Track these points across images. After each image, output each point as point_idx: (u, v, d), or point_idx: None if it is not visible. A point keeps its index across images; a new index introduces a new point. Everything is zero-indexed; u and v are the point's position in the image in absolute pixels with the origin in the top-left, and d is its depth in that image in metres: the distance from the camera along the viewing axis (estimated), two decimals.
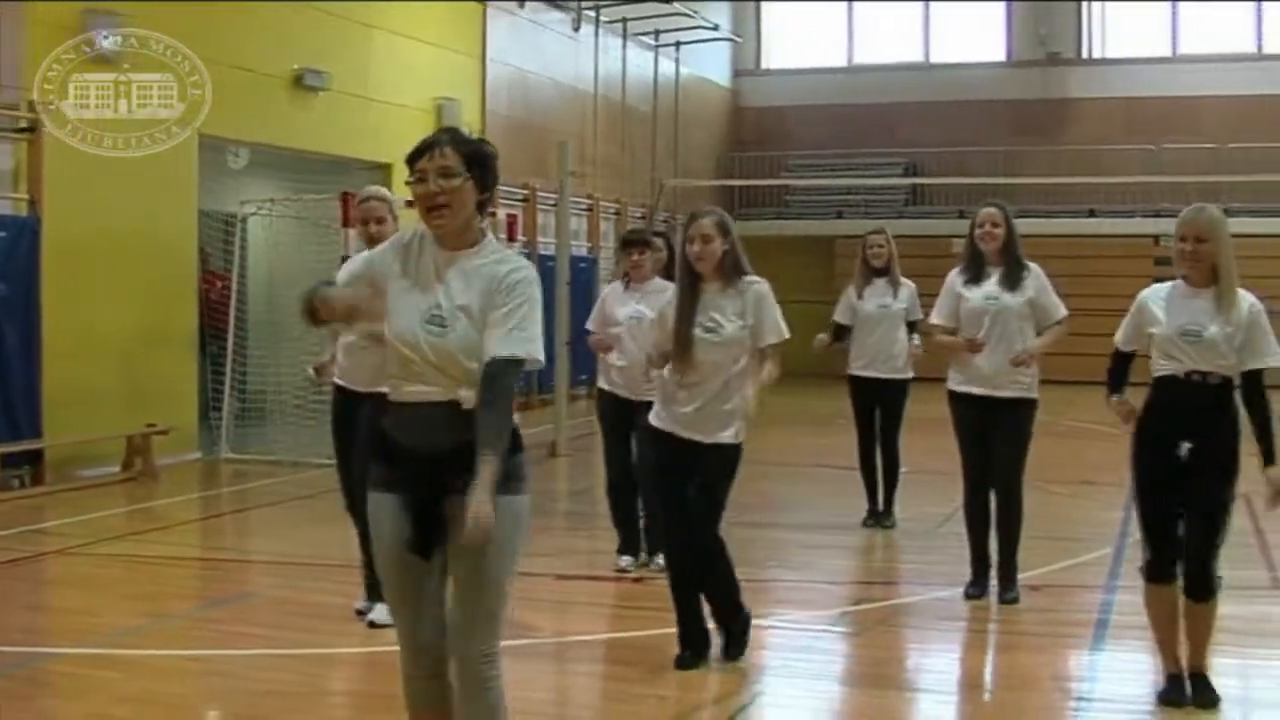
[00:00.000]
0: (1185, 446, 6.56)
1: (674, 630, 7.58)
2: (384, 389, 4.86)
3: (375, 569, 5.07)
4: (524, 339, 4.61)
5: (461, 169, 4.69)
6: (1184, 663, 6.86)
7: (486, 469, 4.45)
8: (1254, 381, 6.65)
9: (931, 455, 12.42)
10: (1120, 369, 6.95)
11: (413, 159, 4.73)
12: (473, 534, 4.44)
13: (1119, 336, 6.94)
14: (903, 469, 11.96)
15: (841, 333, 11.81)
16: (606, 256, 26.34)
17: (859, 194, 31.71)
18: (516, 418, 4.72)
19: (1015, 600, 9.01)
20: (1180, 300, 6.69)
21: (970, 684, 7.79)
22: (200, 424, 16.85)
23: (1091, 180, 28.30)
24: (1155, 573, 6.78)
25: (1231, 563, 9.20)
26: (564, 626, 8.74)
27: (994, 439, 8.98)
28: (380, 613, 8.26)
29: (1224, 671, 7.11)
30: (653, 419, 7.54)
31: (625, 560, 10.01)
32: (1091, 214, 29.80)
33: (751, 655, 7.67)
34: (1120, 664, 7.86)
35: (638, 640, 8.25)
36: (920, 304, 11.56)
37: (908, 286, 11.70)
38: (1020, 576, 9.35)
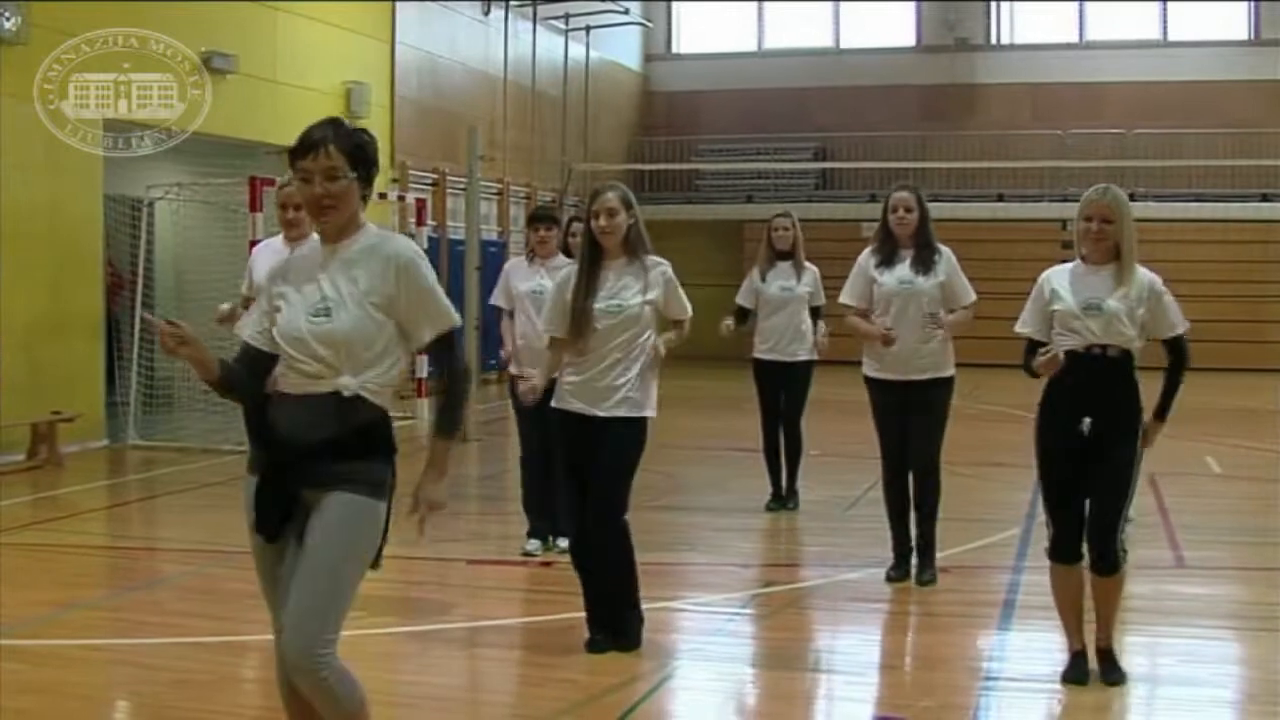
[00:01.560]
0: (1087, 422, 6.67)
1: (579, 615, 7.59)
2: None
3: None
4: (442, 312, 4.74)
5: (347, 170, 4.66)
6: (1088, 640, 6.95)
7: (438, 448, 4.83)
8: (1176, 346, 6.88)
9: (839, 438, 12.51)
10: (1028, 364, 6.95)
11: (296, 155, 4.69)
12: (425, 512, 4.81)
13: (1026, 325, 6.97)
14: (813, 451, 12.00)
15: (744, 315, 11.71)
16: (516, 241, 26.31)
17: (769, 178, 31.82)
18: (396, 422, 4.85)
19: (932, 581, 9.05)
20: (1081, 277, 6.82)
21: (879, 664, 7.84)
22: (107, 411, 16.66)
23: (999, 165, 28.54)
24: (1061, 553, 6.87)
25: (1136, 542, 9.34)
26: (475, 611, 8.72)
27: (911, 420, 9.01)
28: None
29: (1130, 649, 7.21)
30: (554, 402, 7.51)
31: (532, 545, 10.00)
32: (1000, 198, 30.03)
33: (661, 638, 7.69)
34: (1027, 643, 7.94)
35: (549, 624, 8.25)
36: (825, 289, 11.55)
37: (811, 270, 11.62)
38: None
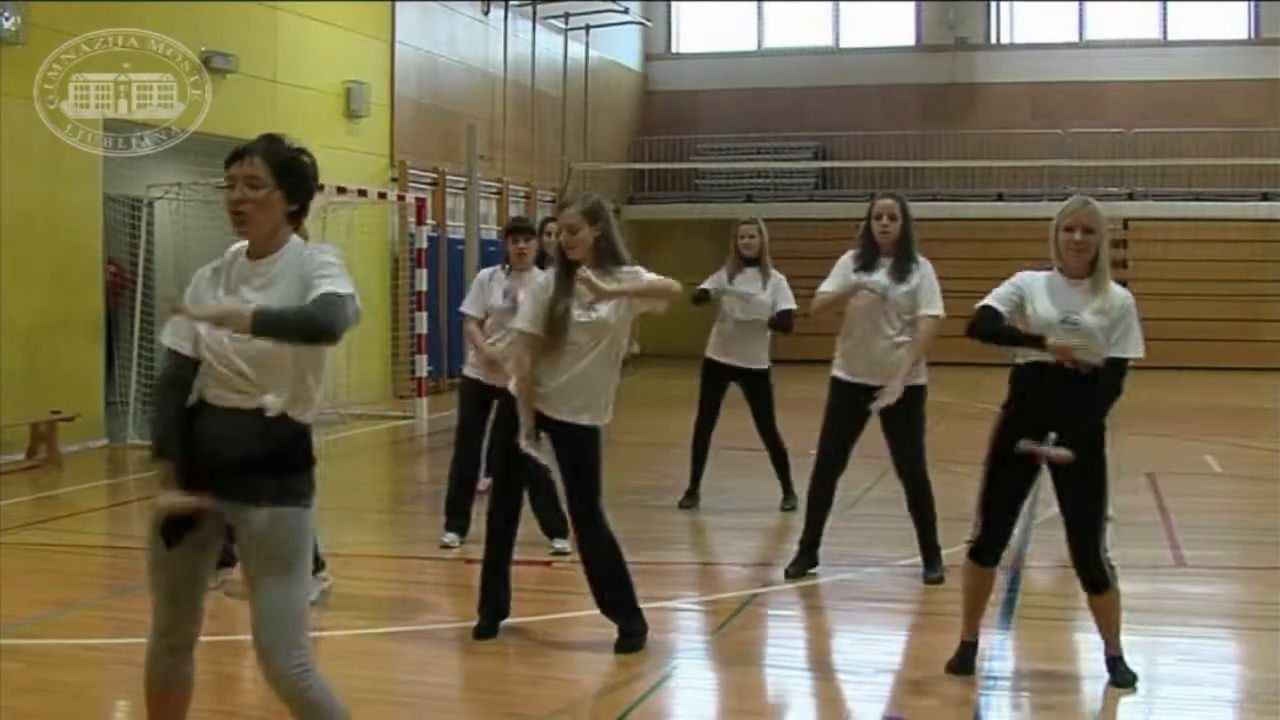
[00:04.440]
0: (1053, 438, 6.58)
1: (584, 614, 7.61)
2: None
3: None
4: (336, 285, 4.56)
5: (269, 180, 4.68)
6: (1094, 650, 6.93)
7: (234, 307, 4.52)
8: (1116, 367, 6.64)
9: None
10: (997, 325, 6.73)
11: (227, 163, 4.74)
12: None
13: (995, 299, 6.76)
14: (812, 451, 11.95)
15: (701, 296, 11.65)
16: None
17: (768, 178, 31.82)
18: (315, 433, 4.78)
19: (940, 580, 9.06)
20: (1058, 289, 6.72)
21: (878, 664, 7.82)
22: (106, 410, 16.65)
23: (999, 164, 28.54)
24: (982, 555, 6.92)
25: (1136, 541, 9.35)
26: (473, 610, 8.69)
27: (889, 431, 9.07)
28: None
29: (1130, 649, 7.17)
30: (510, 386, 7.58)
31: (449, 538, 10.06)
32: (999, 198, 30.02)
33: (660, 638, 7.68)
34: (1027, 642, 7.93)
35: (547, 623, 8.23)
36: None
37: (776, 277, 11.56)
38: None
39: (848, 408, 9.06)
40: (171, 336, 4.77)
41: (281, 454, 4.66)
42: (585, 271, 7.17)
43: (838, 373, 9.15)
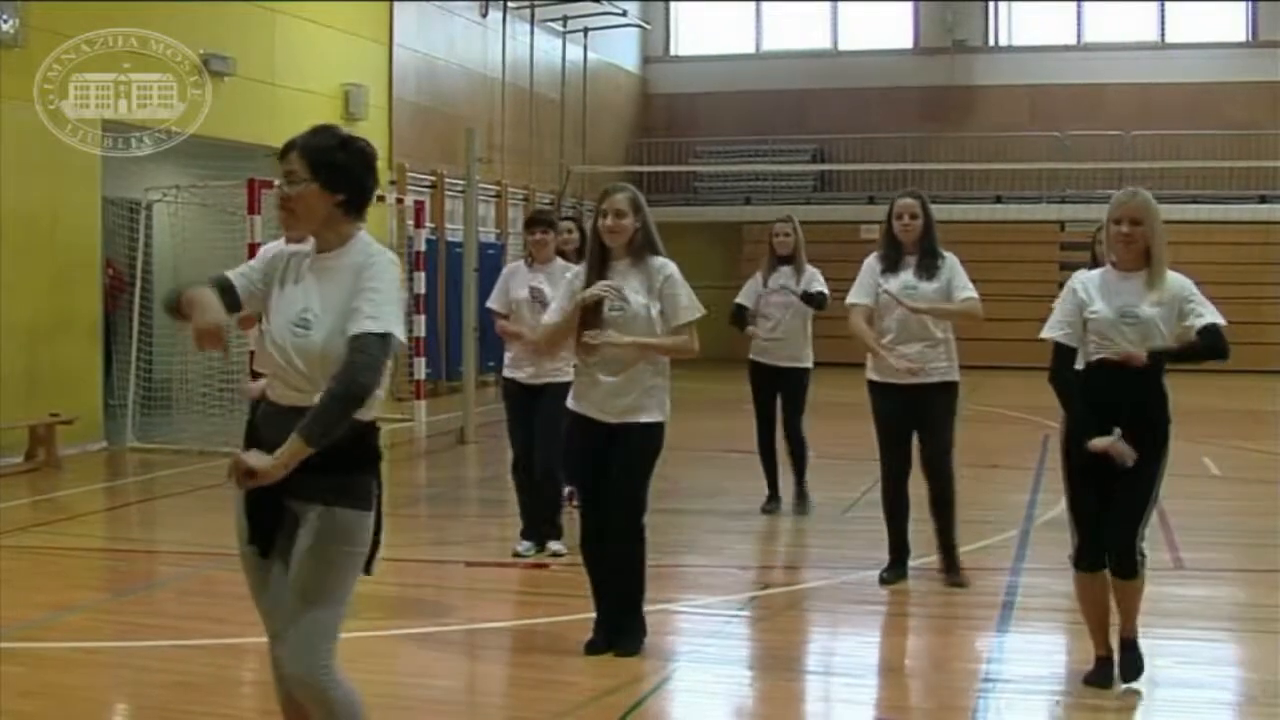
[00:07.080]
0: (1118, 432, 6.54)
1: (583, 616, 7.60)
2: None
3: None
4: (376, 317, 4.51)
5: (306, 175, 4.60)
6: (1115, 644, 6.91)
7: (291, 446, 4.43)
8: (1209, 333, 6.64)
9: (837, 440, 12.49)
10: (1069, 368, 6.74)
11: (279, 158, 4.69)
12: (233, 471, 4.48)
13: (1056, 330, 6.74)
14: (810, 453, 11.97)
15: (741, 313, 11.74)
16: (515, 243, 26.32)
17: (767, 180, 31.81)
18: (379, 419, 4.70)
19: (964, 584, 9.03)
20: (1112, 284, 6.70)
21: (879, 667, 7.83)
22: (105, 413, 16.64)
23: (998, 167, 28.53)
24: (1086, 561, 6.83)
25: None
26: (474, 613, 8.72)
27: (921, 426, 8.99)
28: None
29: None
30: (569, 402, 7.51)
31: (523, 546, 9.98)
32: (998, 200, 30.03)
33: (660, 640, 7.68)
34: (1027, 645, 7.94)
35: (547, 627, 8.24)
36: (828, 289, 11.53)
37: (811, 271, 11.60)
38: (927, 560, 9.42)
39: (891, 409, 9.03)
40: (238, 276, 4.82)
41: (342, 450, 4.55)
42: (606, 292, 7.17)
43: (872, 375, 9.11)
